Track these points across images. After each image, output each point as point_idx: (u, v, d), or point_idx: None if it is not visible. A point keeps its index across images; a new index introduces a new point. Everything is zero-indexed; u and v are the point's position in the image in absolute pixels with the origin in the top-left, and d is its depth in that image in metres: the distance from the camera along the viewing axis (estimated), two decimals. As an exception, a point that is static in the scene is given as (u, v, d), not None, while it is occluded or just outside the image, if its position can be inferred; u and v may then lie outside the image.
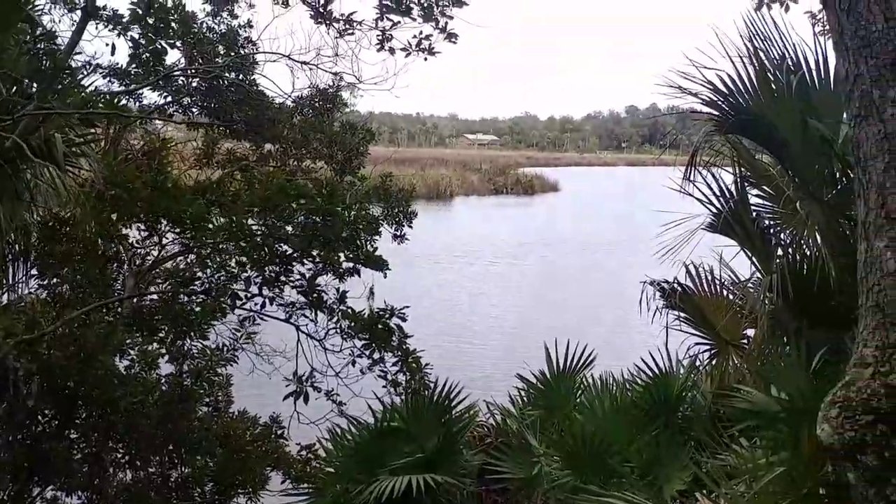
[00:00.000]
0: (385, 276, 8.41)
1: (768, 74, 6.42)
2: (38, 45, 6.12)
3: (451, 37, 8.38)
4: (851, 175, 5.65)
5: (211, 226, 7.92)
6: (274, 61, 9.42)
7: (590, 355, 7.80)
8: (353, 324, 8.39)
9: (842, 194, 6.16)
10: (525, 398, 7.93)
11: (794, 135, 6.27)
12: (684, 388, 6.87)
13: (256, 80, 9.81)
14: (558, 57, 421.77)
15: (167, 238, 8.97)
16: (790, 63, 6.40)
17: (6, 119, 5.96)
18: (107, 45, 8.40)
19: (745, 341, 7.42)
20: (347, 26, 8.67)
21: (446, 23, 8.28)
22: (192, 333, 8.80)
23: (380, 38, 8.53)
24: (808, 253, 6.45)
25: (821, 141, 6.13)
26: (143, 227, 8.40)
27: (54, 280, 8.49)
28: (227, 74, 9.31)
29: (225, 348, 9.41)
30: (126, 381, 8.39)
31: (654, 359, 7.01)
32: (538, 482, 6.69)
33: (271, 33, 10.77)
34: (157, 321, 9.03)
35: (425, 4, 8.17)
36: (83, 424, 8.77)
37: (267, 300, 8.38)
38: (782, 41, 6.44)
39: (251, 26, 9.68)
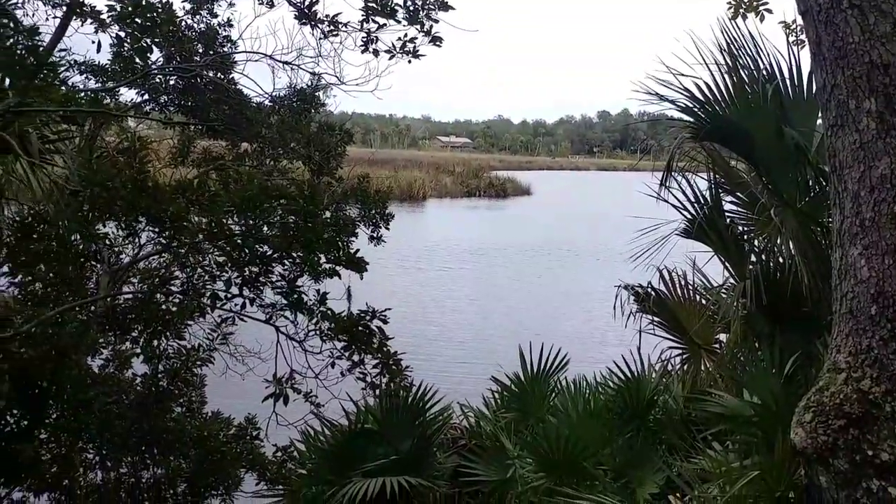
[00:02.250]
0: (362, 278, 8.39)
1: (744, 83, 6.51)
2: (18, 40, 6.05)
3: (435, 40, 8.36)
4: (825, 183, 5.77)
5: (189, 225, 7.87)
6: (256, 60, 9.36)
7: (563, 358, 7.84)
8: (333, 325, 8.34)
9: (815, 202, 6.27)
10: (499, 401, 7.95)
11: (768, 143, 6.37)
12: (656, 392, 6.90)
13: (235, 78, 9.78)
14: (533, 61, 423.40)
15: (143, 237, 8.89)
16: (765, 72, 6.51)
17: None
18: (93, 42, 8.36)
19: (717, 346, 7.52)
20: (332, 27, 8.62)
21: (431, 26, 8.28)
22: (167, 333, 8.75)
23: (364, 39, 8.50)
24: (782, 260, 6.53)
25: (795, 149, 6.23)
26: (120, 225, 8.32)
27: (28, 278, 8.39)
28: (205, 73, 9.26)
29: (201, 348, 9.37)
30: (100, 381, 8.33)
31: (626, 362, 7.08)
32: (512, 484, 6.70)
33: (253, 32, 10.74)
34: (130, 320, 8.96)
35: (411, 7, 8.16)
36: (54, 424, 8.68)
37: (247, 301, 8.33)
38: (757, 51, 6.54)
39: (231, 25, 9.64)
